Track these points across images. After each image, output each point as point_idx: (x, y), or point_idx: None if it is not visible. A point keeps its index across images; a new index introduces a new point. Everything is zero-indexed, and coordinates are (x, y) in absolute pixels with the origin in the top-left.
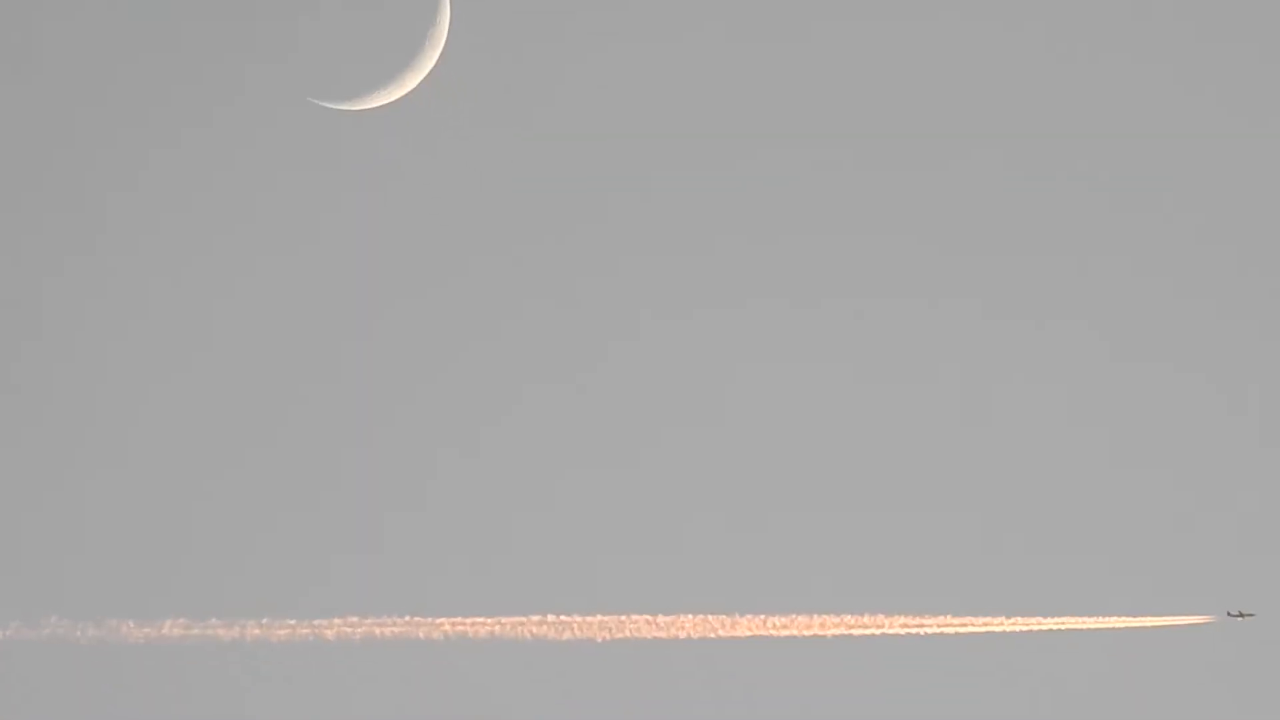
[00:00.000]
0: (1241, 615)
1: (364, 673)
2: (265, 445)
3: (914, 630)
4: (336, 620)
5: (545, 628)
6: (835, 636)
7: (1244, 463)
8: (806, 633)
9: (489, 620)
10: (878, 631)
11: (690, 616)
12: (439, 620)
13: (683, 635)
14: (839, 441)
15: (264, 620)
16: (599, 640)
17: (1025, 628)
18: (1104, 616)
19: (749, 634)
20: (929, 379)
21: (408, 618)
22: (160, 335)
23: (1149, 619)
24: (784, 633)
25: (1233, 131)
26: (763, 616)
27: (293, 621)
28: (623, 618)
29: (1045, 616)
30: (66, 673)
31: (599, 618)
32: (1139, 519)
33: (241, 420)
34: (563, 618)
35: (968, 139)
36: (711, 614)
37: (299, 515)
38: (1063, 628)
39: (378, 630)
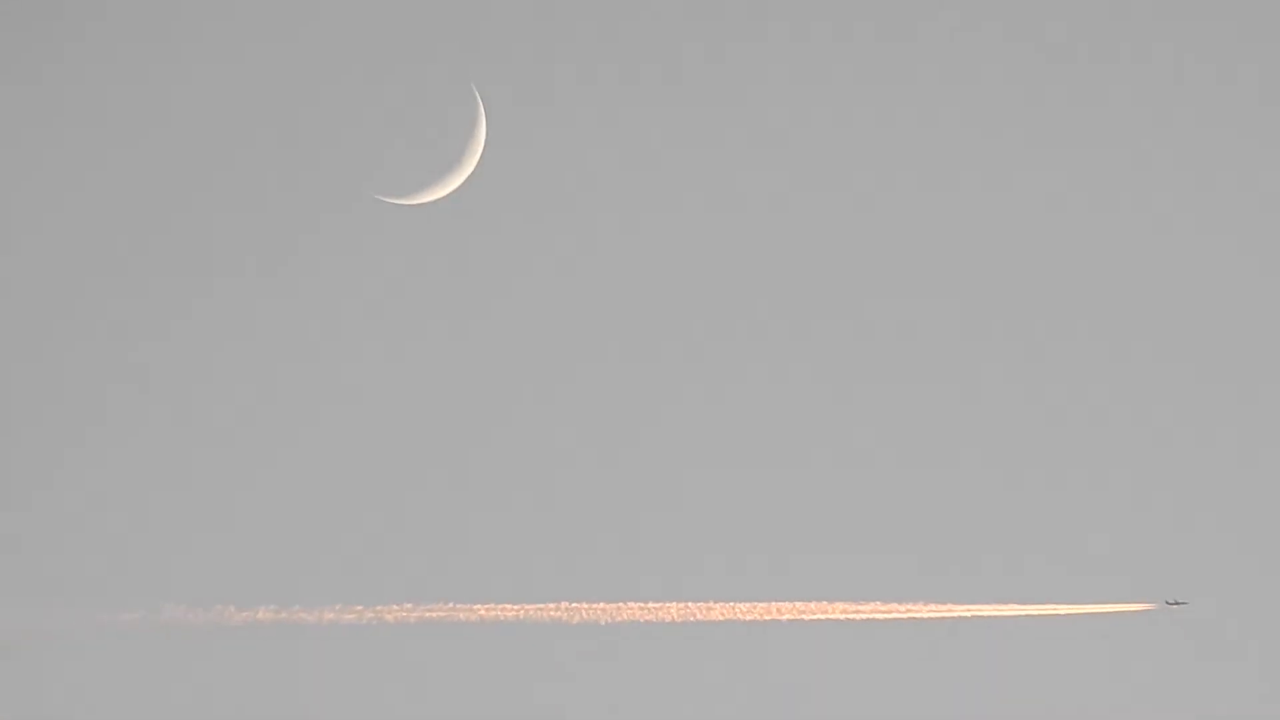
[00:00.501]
0: (1177, 604)
1: (422, 654)
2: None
3: (858, 616)
4: (394, 606)
5: (564, 613)
6: (788, 621)
7: (1186, 457)
8: (766, 618)
9: (525, 606)
10: (823, 617)
11: (720, 604)
12: (475, 606)
13: (709, 618)
14: (805, 433)
15: (337, 606)
16: (603, 623)
17: (971, 614)
18: (1049, 604)
19: (723, 618)
20: (878, 372)
21: (451, 604)
22: (241, 348)
23: (1092, 606)
24: (742, 618)
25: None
26: (736, 604)
27: (359, 607)
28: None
29: (990, 603)
30: (182, 654)
31: (628, 604)
32: (1083, 509)
33: (314, 426)
34: (585, 605)
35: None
36: (722, 601)
37: (366, 508)
38: (1007, 615)
39: (429, 615)
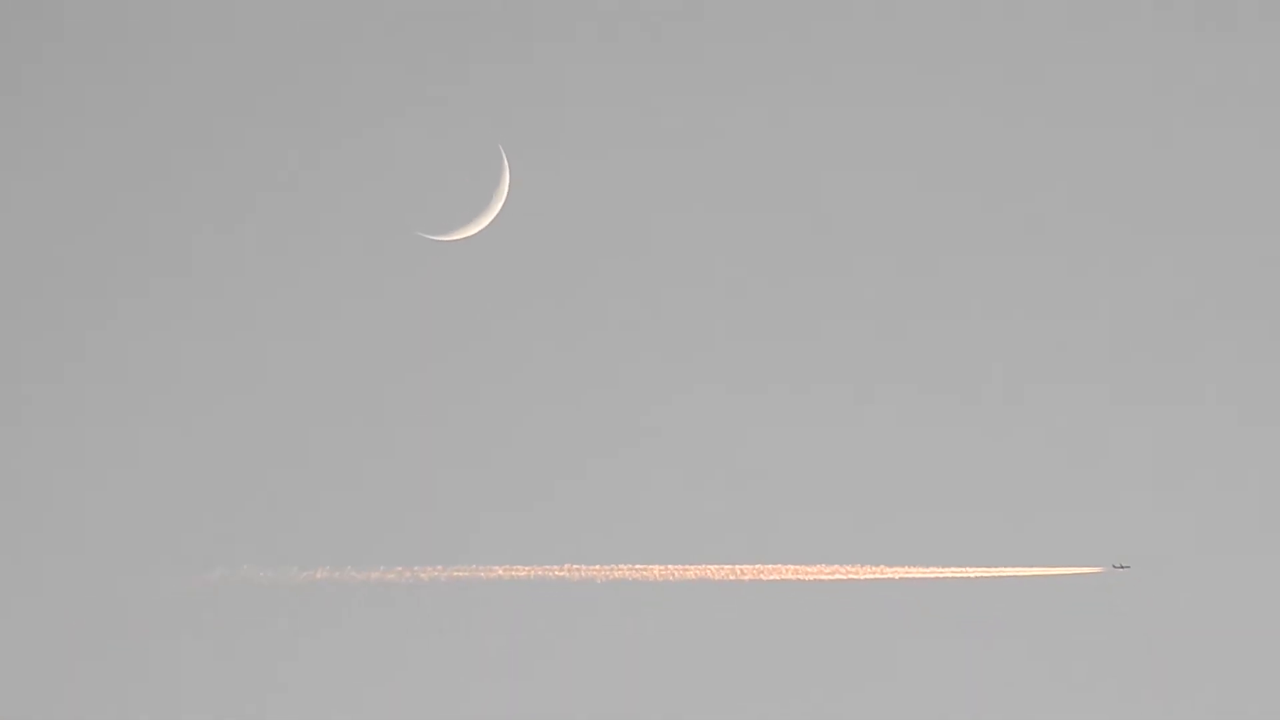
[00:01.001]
0: (1120, 567)
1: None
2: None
3: (815, 578)
4: (497, 568)
5: (571, 573)
6: (749, 581)
7: (1139, 424)
8: (718, 578)
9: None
10: (781, 579)
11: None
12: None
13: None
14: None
15: (439, 566)
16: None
17: (925, 576)
18: (1002, 566)
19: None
20: (843, 343)
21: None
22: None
23: (1044, 569)
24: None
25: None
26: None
27: (399, 568)
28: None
29: (944, 566)
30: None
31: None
32: (1033, 474)
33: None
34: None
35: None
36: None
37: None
38: (961, 576)
39: (457, 575)
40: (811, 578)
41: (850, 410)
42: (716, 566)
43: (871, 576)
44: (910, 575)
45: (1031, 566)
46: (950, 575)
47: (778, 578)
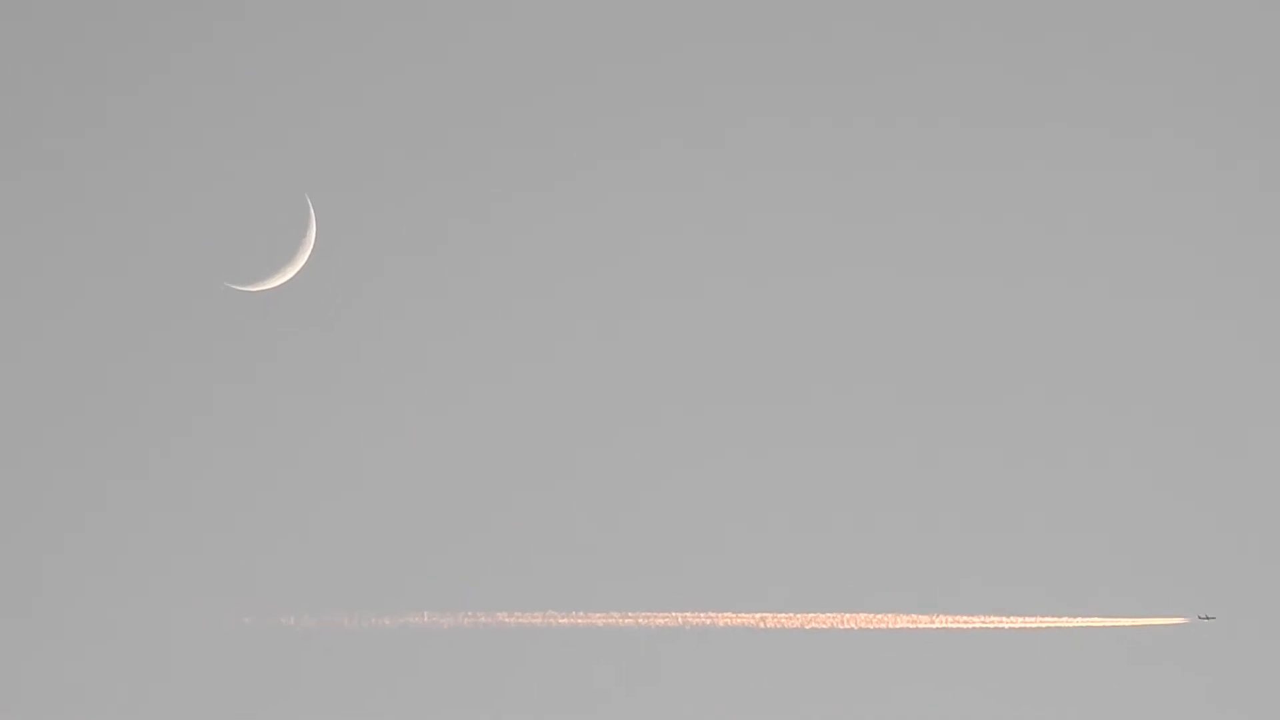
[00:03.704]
0: (1205, 618)
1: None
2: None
3: (894, 627)
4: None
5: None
6: (811, 629)
7: (1224, 468)
8: (806, 626)
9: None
10: (858, 628)
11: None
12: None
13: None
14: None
15: (514, 611)
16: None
17: (1006, 626)
18: (1084, 616)
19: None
20: (901, 388)
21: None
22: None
23: (1127, 619)
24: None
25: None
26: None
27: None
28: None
29: (1026, 616)
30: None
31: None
32: (1120, 522)
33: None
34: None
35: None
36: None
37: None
38: (1043, 627)
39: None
40: (881, 627)
41: (923, 458)
42: (787, 615)
43: (947, 626)
44: (986, 625)
45: (1113, 617)
46: (1027, 626)
47: (826, 626)
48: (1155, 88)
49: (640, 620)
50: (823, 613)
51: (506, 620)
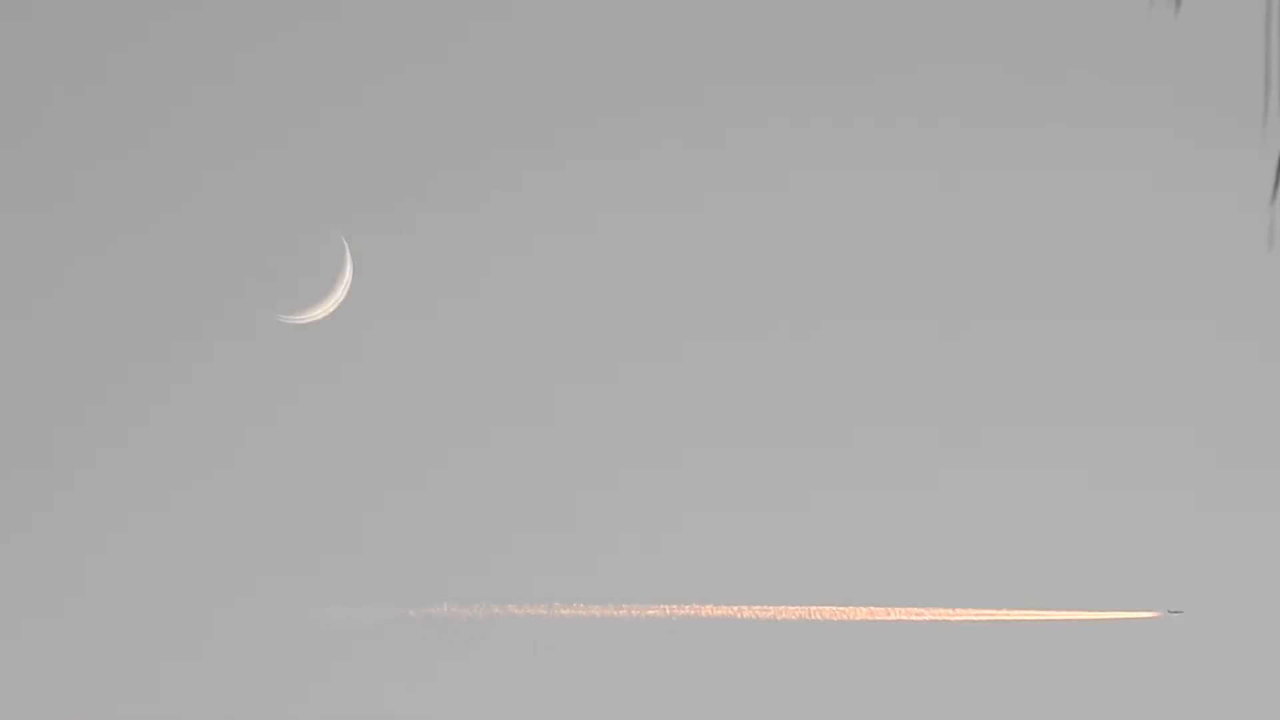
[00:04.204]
0: (1173, 613)
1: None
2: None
3: (854, 619)
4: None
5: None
6: (786, 620)
7: (1193, 461)
8: (781, 618)
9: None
10: (820, 619)
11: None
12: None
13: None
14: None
15: (580, 603)
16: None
17: (972, 619)
18: (1050, 610)
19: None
20: (871, 369)
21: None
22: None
23: (1097, 613)
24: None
25: None
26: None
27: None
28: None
29: (992, 608)
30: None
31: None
32: (1091, 513)
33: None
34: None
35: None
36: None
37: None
38: (1010, 620)
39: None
40: (840, 618)
41: (883, 441)
42: (759, 607)
43: (909, 619)
44: (953, 618)
45: (1081, 610)
46: (991, 618)
47: (801, 618)
48: (1155, 87)
49: (662, 611)
50: (767, 605)
51: (516, 612)
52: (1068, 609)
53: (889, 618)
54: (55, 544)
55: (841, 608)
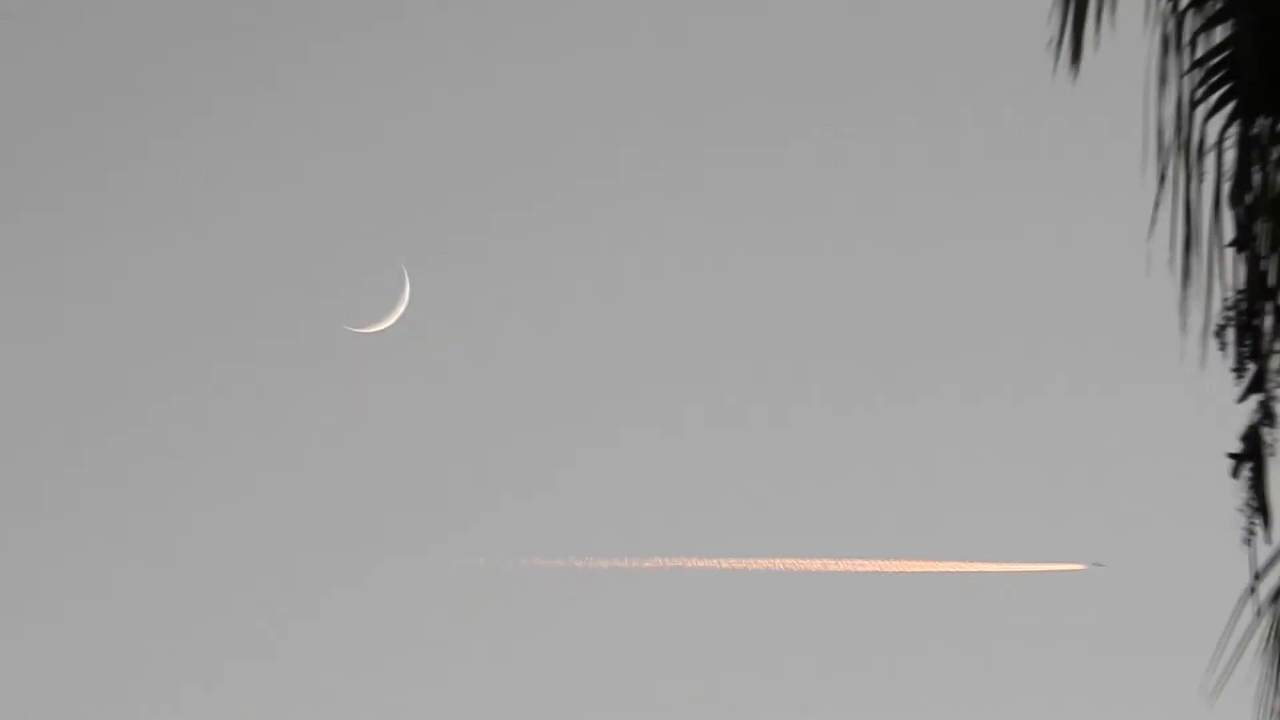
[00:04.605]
0: (1095, 565)
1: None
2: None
3: (779, 568)
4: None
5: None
6: (722, 570)
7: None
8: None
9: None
10: (752, 569)
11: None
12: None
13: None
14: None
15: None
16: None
17: (903, 570)
18: (981, 562)
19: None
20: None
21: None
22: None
23: (1027, 566)
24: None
25: None
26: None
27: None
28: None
29: (923, 560)
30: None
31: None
32: (1017, 468)
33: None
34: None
35: None
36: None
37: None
38: (939, 571)
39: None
40: (787, 568)
41: (827, 408)
42: (697, 559)
43: (839, 569)
44: (907, 569)
45: (1012, 563)
46: (926, 569)
47: (746, 568)
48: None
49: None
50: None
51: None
52: (1000, 562)
53: (829, 569)
54: (159, 528)
55: (781, 559)
